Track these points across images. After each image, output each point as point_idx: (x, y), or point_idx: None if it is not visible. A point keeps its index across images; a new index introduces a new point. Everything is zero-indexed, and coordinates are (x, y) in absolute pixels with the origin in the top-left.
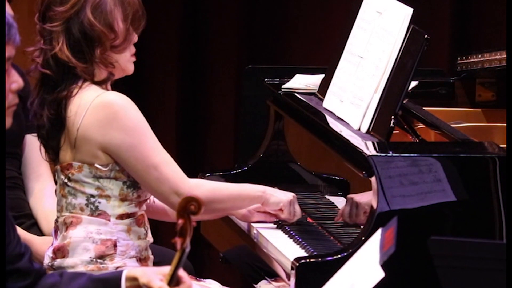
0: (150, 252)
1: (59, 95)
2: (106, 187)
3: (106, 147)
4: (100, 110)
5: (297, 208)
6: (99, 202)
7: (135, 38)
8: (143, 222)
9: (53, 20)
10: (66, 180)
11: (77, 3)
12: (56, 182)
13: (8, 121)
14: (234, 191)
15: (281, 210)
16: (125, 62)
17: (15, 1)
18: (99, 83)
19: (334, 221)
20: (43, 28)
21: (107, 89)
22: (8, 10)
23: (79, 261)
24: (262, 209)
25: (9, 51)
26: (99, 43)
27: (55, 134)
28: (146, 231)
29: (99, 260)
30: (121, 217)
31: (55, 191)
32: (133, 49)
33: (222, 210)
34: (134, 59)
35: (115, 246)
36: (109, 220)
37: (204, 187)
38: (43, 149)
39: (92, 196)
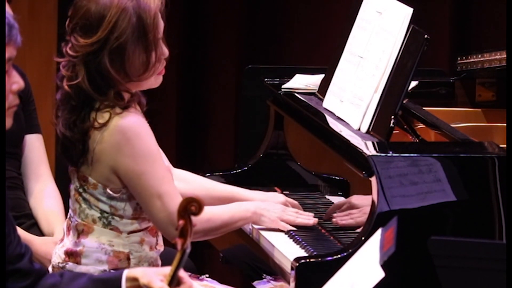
0: (159, 261)
1: (84, 125)
2: (119, 207)
3: (116, 171)
4: (115, 134)
5: (290, 210)
6: (112, 218)
7: (165, 54)
8: (156, 231)
9: (73, 48)
10: (81, 190)
11: (97, 41)
12: (63, 182)
13: (8, 122)
14: (227, 216)
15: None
16: (148, 83)
17: (15, 1)
18: (123, 108)
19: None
20: (66, 51)
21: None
22: (8, 10)
23: (92, 269)
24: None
25: (10, 52)
26: (114, 85)
27: (78, 153)
28: (157, 240)
29: (112, 271)
30: (133, 231)
31: (70, 190)
32: (160, 68)
33: (218, 235)
34: (162, 73)
35: (128, 259)
36: (121, 234)
37: (200, 220)
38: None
39: (106, 212)
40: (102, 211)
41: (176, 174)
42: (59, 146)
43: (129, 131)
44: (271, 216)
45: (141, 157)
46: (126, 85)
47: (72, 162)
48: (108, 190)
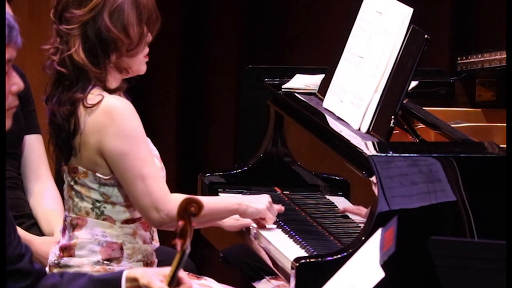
0: (155, 257)
1: (74, 95)
2: (111, 194)
3: (101, 152)
4: (100, 115)
5: (275, 207)
6: (105, 207)
7: (149, 38)
8: (149, 226)
9: (70, 22)
10: (72, 183)
11: (95, 7)
12: (63, 182)
13: (8, 123)
14: (213, 206)
15: (262, 219)
16: (138, 64)
17: (15, 2)
18: (110, 92)
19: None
20: (59, 29)
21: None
22: (8, 11)
23: (86, 261)
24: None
25: (10, 53)
26: (115, 49)
27: (66, 135)
28: (152, 236)
29: (105, 262)
30: (126, 221)
31: (63, 190)
32: (146, 50)
33: (202, 224)
34: (146, 59)
35: (121, 249)
36: (114, 224)
37: None
38: (51, 148)
39: (98, 201)
40: (94, 201)
41: None
42: (50, 133)
43: (114, 111)
44: (257, 206)
45: (125, 137)
46: (123, 53)
47: (60, 149)
48: (98, 175)
